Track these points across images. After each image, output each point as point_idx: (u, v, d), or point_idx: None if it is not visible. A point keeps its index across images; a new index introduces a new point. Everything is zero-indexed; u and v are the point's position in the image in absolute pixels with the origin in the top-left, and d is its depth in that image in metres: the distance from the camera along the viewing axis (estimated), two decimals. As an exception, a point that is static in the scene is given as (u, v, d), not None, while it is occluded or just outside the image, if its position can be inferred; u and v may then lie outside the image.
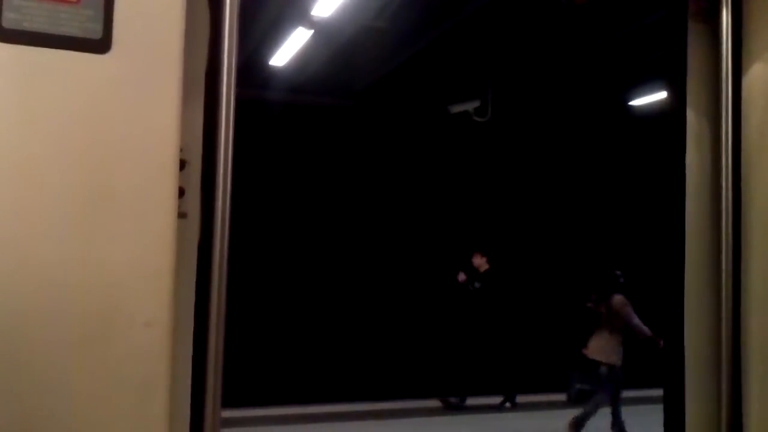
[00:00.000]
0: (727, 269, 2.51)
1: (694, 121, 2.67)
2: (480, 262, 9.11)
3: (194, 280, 1.91)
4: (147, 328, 1.73)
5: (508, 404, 9.20)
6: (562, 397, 9.36)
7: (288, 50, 7.36)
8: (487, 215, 10.15)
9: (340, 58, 7.71)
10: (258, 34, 7.01)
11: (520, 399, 9.27)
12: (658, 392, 2.82)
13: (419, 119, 9.91)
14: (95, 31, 1.73)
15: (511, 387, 9.26)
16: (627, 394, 7.63)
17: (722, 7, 2.58)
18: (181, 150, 1.80)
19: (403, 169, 9.94)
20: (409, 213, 9.99)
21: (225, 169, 1.94)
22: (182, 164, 1.83)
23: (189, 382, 1.90)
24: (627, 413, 7.42)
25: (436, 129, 9.82)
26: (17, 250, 1.66)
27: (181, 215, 1.84)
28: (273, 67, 7.91)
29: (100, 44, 1.73)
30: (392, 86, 9.21)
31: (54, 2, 1.71)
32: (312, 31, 6.59)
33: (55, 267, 1.68)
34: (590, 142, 10.60)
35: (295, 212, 9.55)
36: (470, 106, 8.95)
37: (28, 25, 1.68)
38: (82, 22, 1.72)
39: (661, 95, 7.87)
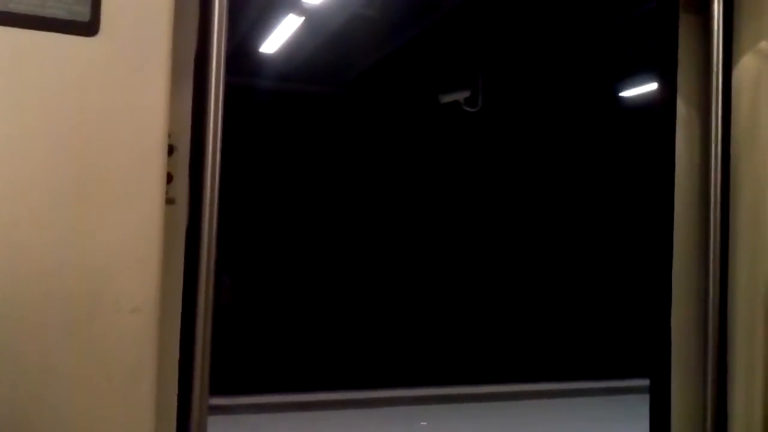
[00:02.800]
0: (714, 260, 2.52)
1: (683, 111, 2.68)
2: None
3: (182, 266, 1.91)
4: (134, 313, 1.72)
5: None
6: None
7: (278, 37, 7.32)
8: (478, 206, 10.16)
9: (331, 46, 7.68)
10: (248, 20, 6.96)
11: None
12: (644, 382, 2.84)
13: (410, 109, 9.89)
14: (83, 14, 1.71)
15: None
16: (615, 384, 7.67)
17: (713, -1, 2.59)
18: (169, 136, 1.79)
19: (393, 158, 9.93)
20: (399, 202, 9.99)
21: (213, 156, 1.93)
22: (170, 150, 1.82)
23: (176, 368, 1.90)
24: (613, 402, 7.45)
25: (426, 118, 9.81)
26: (3, 234, 1.65)
27: (169, 201, 1.83)
28: (263, 54, 7.87)
29: (88, 27, 1.71)
30: (383, 75, 9.19)
31: (41, -16, 1.69)
32: (302, 19, 6.55)
33: (41, 251, 1.67)
34: (581, 133, 10.62)
35: (285, 200, 9.54)
36: (461, 96, 8.94)
37: (14, 7, 1.66)
38: (69, 5, 1.71)
39: (652, 86, 7.89)
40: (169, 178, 1.83)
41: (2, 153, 1.65)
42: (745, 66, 2.55)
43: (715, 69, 2.57)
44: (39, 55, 1.67)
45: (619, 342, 9.20)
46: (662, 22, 2.79)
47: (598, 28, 7.50)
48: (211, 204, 1.91)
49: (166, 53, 1.79)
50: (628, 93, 9.85)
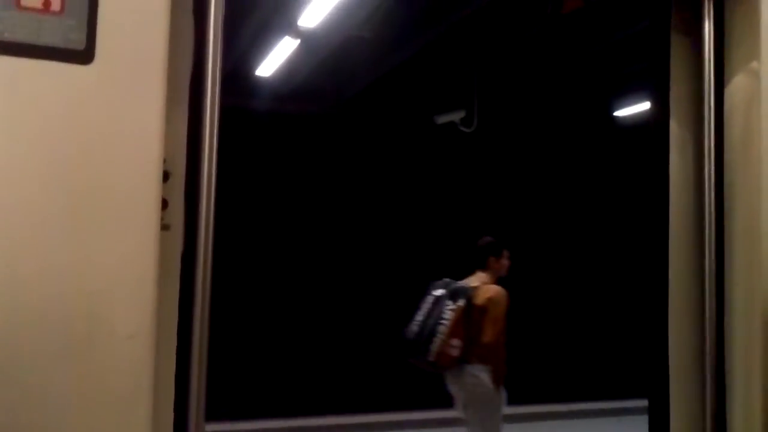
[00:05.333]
0: (710, 278, 2.53)
1: (677, 131, 2.69)
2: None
3: (178, 291, 1.90)
4: (130, 339, 1.72)
5: None
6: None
7: (274, 59, 7.36)
8: (474, 224, 10.17)
9: (327, 67, 7.72)
10: (244, 43, 7.00)
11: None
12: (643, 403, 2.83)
13: (405, 129, 9.93)
14: (79, 42, 1.72)
15: None
16: (612, 405, 7.62)
17: (704, 19, 2.61)
18: (164, 161, 1.80)
19: (389, 178, 9.94)
20: (395, 222, 9.99)
21: (209, 181, 1.93)
22: (165, 176, 1.82)
23: (172, 394, 1.89)
24: (612, 424, 7.40)
25: (422, 138, 9.84)
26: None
27: (165, 227, 1.83)
28: (259, 76, 7.91)
29: (84, 55, 1.72)
30: (379, 96, 9.23)
31: (37, 12, 1.70)
32: (298, 41, 6.59)
33: (37, 278, 1.67)
34: (576, 152, 10.66)
35: (281, 220, 9.54)
36: (456, 116, 8.98)
37: (9, 36, 1.67)
38: (65, 33, 1.71)
39: (646, 106, 7.93)
40: (165, 204, 1.83)
41: (-1, 179, 1.66)
42: (737, 86, 2.56)
43: (707, 89, 2.58)
44: (35, 84, 1.68)
45: (616, 362, 9.17)
46: (654, 42, 2.81)
47: (592, 47, 7.56)
48: (207, 229, 1.91)
49: (161, 79, 1.80)
50: (622, 112, 9.90)
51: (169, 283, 1.85)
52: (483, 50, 7.92)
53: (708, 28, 2.59)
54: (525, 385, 9.46)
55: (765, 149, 2.44)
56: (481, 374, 4.76)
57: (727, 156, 2.57)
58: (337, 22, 6.08)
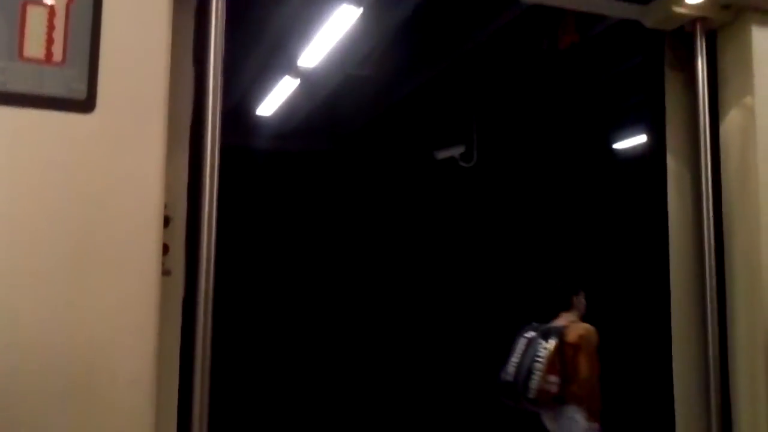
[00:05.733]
0: (712, 315, 2.52)
1: (674, 166, 2.71)
2: None
3: (179, 337, 1.90)
4: (131, 385, 1.72)
5: None
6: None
7: (275, 99, 7.42)
8: (473, 259, 10.16)
9: (326, 105, 7.78)
10: (245, 83, 7.07)
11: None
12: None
13: (405, 164, 9.97)
14: (80, 91, 1.75)
15: None
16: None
17: (697, 56, 2.64)
18: (165, 206, 1.81)
19: (390, 214, 9.96)
20: (395, 257, 9.99)
21: (209, 225, 1.94)
22: (166, 221, 1.84)
23: None
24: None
25: (422, 174, 9.88)
26: (1, 308, 1.65)
27: (165, 273, 1.83)
28: (260, 116, 7.97)
29: (85, 104, 1.75)
30: (378, 132, 9.29)
31: (39, 63, 1.73)
32: (298, 80, 6.66)
33: (38, 324, 1.67)
34: (576, 185, 10.68)
35: (281, 257, 9.53)
36: (456, 151, 9.02)
37: (12, 87, 1.70)
38: (67, 83, 1.74)
39: (644, 138, 7.95)
40: (166, 249, 1.84)
41: (1, 227, 1.67)
42: (732, 121, 2.59)
43: (702, 124, 2.60)
44: (37, 134, 1.70)
45: (622, 397, 9.09)
46: (648, 78, 2.84)
47: (591, 80, 7.62)
48: (207, 274, 1.91)
49: (162, 125, 1.82)
50: (621, 145, 9.93)
51: (170, 327, 1.86)
52: (481, 86, 7.99)
53: (701, 64, 2.62)
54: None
55: (762, 183, 2.46)
56: (576, 415, 4.85)
57: (724, 189, 2.58)
58: (335, 62, 6.15)
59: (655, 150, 2.82)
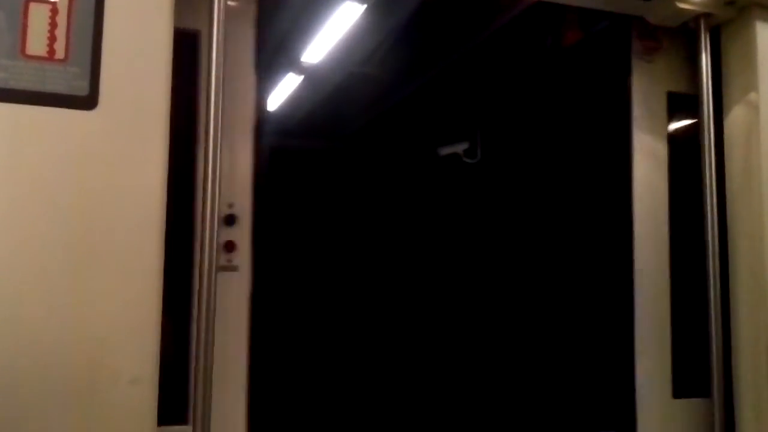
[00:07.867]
0: (716, 317, 2.50)
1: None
2: None
3: (247, 333, 1.95)
4: (133, 383, 1.71)
5: None
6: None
7: (278, 95, 7.42)
8: (478, 256, 10.14)
9: (330, 102, 7.77)
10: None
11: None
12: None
13: (409, 161, 9.95)
14: (82, 88, 1.75)
15: None
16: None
17: (701, 52, 2.63)
18: (232, 205, 1.88)
19: (393, 210, 9.94)
20: (400, 254, 9.97)
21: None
22: (232, 219, 1.91)
23: None
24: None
25: (426, 170, 9.86)
26: (3, 306, 1.65)
27: (232, 269, 1.92)
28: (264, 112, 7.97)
29: (87, 101, 1.75)
30: (382, 129, 9.27)
31: (41, 61, 1.73)
32: (302, 77, 6.65)
33: (41, 323, 1.67)
34: (581, 182, 10.64)
35: (286, 254, 9.52)
36: (459, 148, 9.00)
37: (15, 84, 1.70)
38: (69, 80, 1.74)
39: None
40: (231, 246, 1.91)
41: (4, 225, 1.67)
42: (736, 117, 2.57)
43: (706, 120, 2.59)
44: (39, 130, 1.70)
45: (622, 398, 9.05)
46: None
47: (594, 76, 7.58)
48: (210, 272, 1.91)
49: (164, 123, 1.81)
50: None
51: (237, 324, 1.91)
52: (485, 83, 7.97)
53: (705, 60, 2.61)
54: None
55: (766, 180, 2.45)
56: None
57: (728, 187, 2.57)
58: (339, 59, 6.14)
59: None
